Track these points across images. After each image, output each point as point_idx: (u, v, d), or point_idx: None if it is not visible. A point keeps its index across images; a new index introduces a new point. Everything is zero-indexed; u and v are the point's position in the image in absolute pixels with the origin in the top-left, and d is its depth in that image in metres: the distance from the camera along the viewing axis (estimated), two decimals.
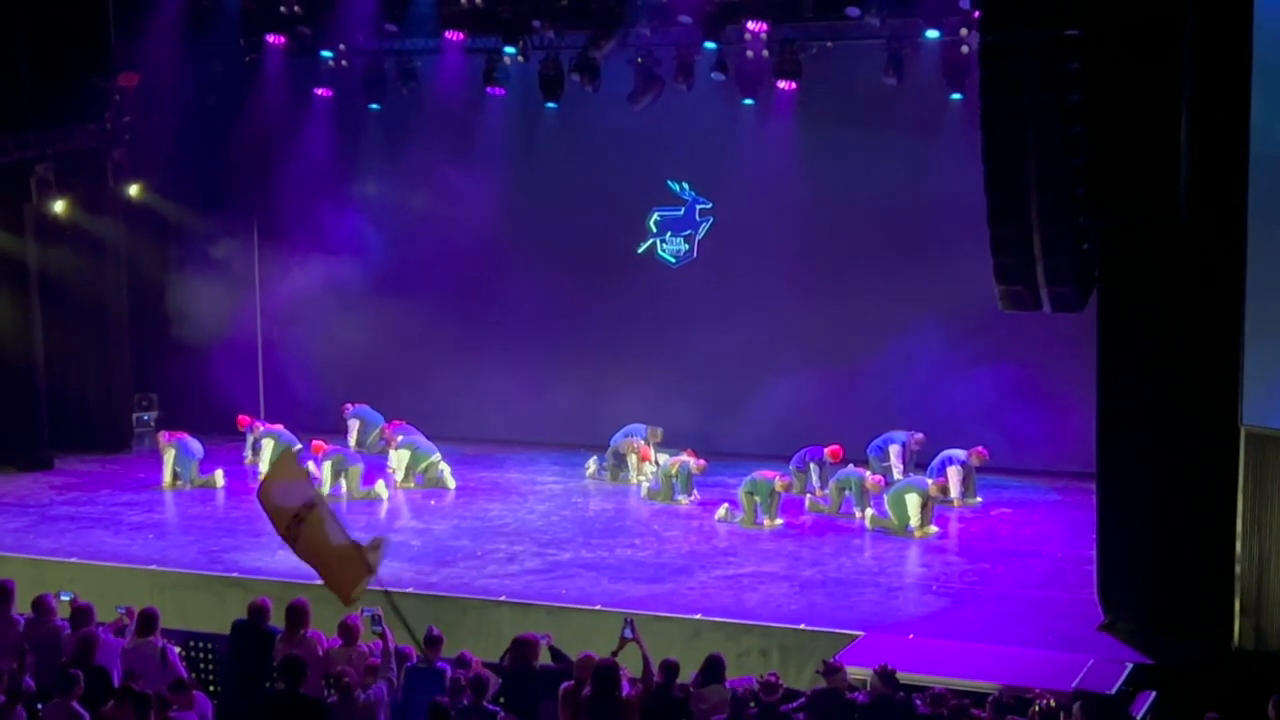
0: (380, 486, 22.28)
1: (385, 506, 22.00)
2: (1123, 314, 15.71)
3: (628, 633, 13.07)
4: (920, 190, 23.16)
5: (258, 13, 24.74)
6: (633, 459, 23.22)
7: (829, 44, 23.02)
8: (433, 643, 13.57)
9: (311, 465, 22.07)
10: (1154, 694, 13.63)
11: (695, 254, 25.12)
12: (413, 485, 22.92)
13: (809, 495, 21.51)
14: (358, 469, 22.41)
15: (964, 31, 21.45)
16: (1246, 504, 15.24)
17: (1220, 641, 15.39)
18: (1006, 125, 15.64)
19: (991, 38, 15.74)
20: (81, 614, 14.20)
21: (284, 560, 18.58)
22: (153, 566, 18.76)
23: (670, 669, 12.90)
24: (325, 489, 22.12)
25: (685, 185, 25.04)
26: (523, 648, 13.63)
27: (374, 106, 25.85)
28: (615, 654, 13.08)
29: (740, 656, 15.75)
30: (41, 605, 14.54)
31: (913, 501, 19.88)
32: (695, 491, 21.91)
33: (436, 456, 23.10)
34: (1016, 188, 15.75)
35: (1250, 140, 14.61)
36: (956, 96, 22.10)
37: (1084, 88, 15.27)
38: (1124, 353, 15.70)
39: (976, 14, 19.15)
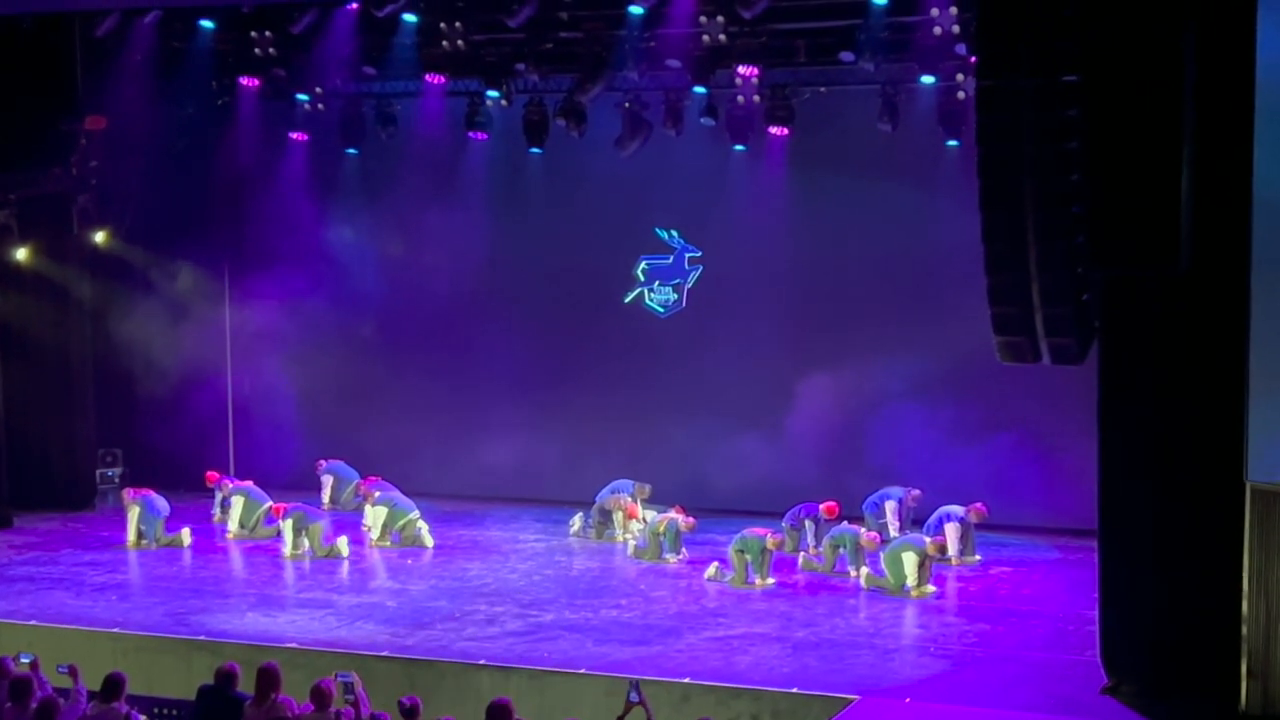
0: (342, 543, 22.37)
1: (347, 565, 22.06)
2: (1124, 366, 15.82)
3: (634, 696, 12.95)
4: (915, 239, 23.36)
5: (231, 54, 24.72)
6: (619, 516, 23.32)
7: (822, 89, 23.28)
8: (409, 713, 13.59)
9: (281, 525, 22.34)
10: None
11: (684, 304, 25.32)
12: (389, 544, 23.00)
13: (802, 553, 21.65)
14: (319, 526, 22.47)
15: (960, 77, 21.69)
16: (1253, 563, 15.29)
17: (1227, 705, 15.42)
18: (1004, 173, 15.81)
19: (988, 83, 15.94)
20: (22, 686, 14.20)
21: (253, 622, 18.81)
22: (116, 629, 18.68)
23: None
24: (288, 549, 22.29)
25: (674, 233, 25.25)
26: (500, 714, 13.65)
27: (351, 151, 26.05)
28: (620, 719, 13.10)
29: None
30: (1, 668, 14.65)
31: (909, 560, 20.00)
32: (684, 550, 22.03)
33: (414, 514, 23.20)
34: (1014, 236, 15.92)
35: (1254, 188, 14.75)
36: (953, 143, 22.36)
37: (1083, 135, 15.42)
38: (1125, 406, 15.81)
39: (973, 59, 19.44)
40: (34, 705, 13.72)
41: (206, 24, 23.90)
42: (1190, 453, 15.61)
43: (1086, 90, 15.31)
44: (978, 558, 21.80)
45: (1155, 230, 15.06)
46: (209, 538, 23.59)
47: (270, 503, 23.48)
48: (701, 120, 23.38)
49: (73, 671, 14.59)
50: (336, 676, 13.97)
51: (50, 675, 14.79)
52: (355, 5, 22.78)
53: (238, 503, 23.74)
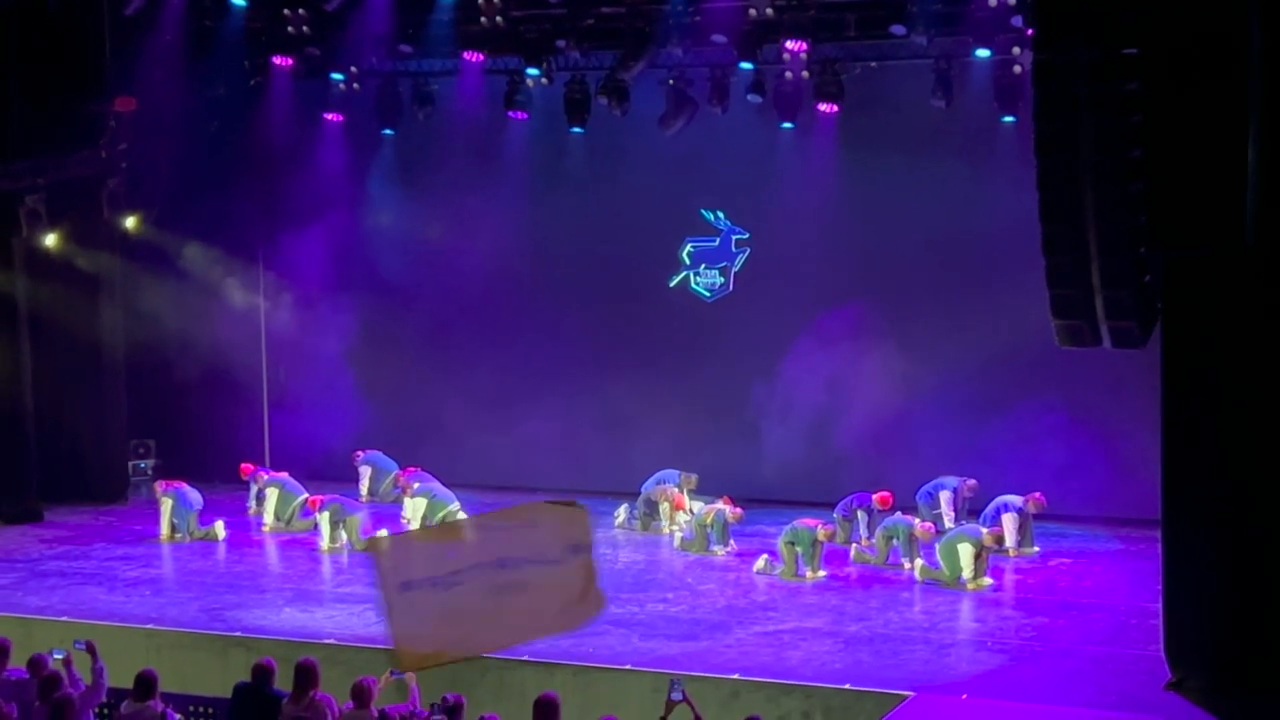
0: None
1: None
2: (1188, 350, 15.75)
3: (676, 695, 12.79)
4: (971, 219, 23.30)
5: (264, 33, 24.88)
6: (665, 507, 23.34)
7: (873, 64, 23.25)
8: (453, 711, 13.60)
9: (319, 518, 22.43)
10: None
11: (731, 287, 25.30)
12: None
13: (854, 545, 21.62)
14: (357, 518, 22.55)
15: (1016, 50, 21.62)
16: None
17: None
18: (1062, 150, 15.73)
19: (1046, 57, 15.85)
20: (51, 684, 14.20)
21: (290, 618, 18.86)
22: (149, 625, 18.82)
23: None
24: (325, 543, 22.36)
25: (720, 214, 25.23)
26: (547, 709, 13.68)
27: (387, 132, 26.10)
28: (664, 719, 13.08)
29: (781, 719, 15.88)
30: (37, 665, 14.72)
31: (965, 551, 19.96)
32: (732, 542, 22.03)
33: (455, 506, 23.20)
34: (1073, 216, 15.84)
35: None
36: (1009, 119, 22.30)
37: (1144, 109, 15.36)
38: (1190, 392, 15.74)
39: (1030, 31, 19.27)
40: (52, 699, 13.79)
41: (238, 1, 24.03)
42: (1258, 439, 15.52)
43: (1148, 62, 15.23)
44: (1036, 549, 21.73)
45: (1220, 208, 15.01)
46: (244, 531, 23.71)
47: (306, 495, 23.57)
48: (748, 97, 23.36)
49: (90, 649, 14.63)
50: (391, 674, 14.01)
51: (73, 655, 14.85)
52: None
53: (273, 495, 23.82)
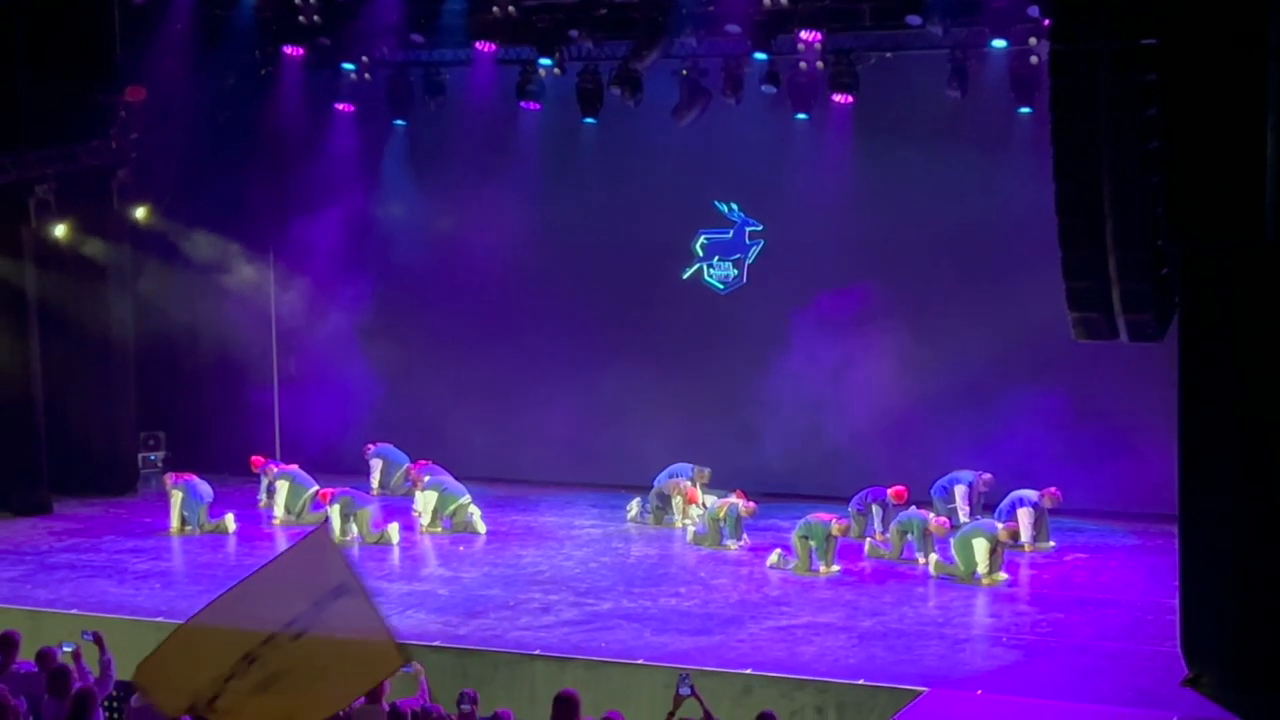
0: (393, 530, 22.45)
1: (397, 552, 22.16)
2: (1205, 344, 15.71)
3: (684, 690, 12.73)
4: (986, 211, 23.28)
5: (274, 23, 24.91)
6: (678, 501, 23.35)
7: (888, 55, 23.19)
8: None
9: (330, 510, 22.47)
10: None
11: (745, 280, 25.30)
12: (440, 530, 23.09)
13: (868, 539, 21.62)
14: (368, 511, 22.59)
15: (1033, 41, 21.59)
16: None
17: None
18: (1079, 141, 15.75)
19: (1063, 47, 15.87)
20: (60, 677, 14.22)
21: None
22: (159, 619, 18.80)
23: None
24: (336, 535, 22.37)
25: (734, 206, 25.23)
26: (566, 706, 13.63)
27: (399, 122, 26.13)
28: (672, 715, 12.90)
29: (794, 715, 15.92)
30: (45, 658, 14.76)
31: (980, 546, 19.95)
32: (745, 536, 22.03)
33: (466, 499, 23.27)
34: (1090, 208, 15.85)
35: None
36: (1025, 110, 22.28)
37: (1162, 100, 15.35)
38: (1207, 385, 15.70)
39: (1046, 22, 19.34)
40: (70, 694, 13.81)
41: None
42: (1275, 433, 15.49)
43: (1166, 53, 15.23)
44: (1052, 544, 21.73)
45: (1238, 200, 14.99)
46: (254, 524, 23.73)
47: (317, 487, 23.58)
48: (762, 88, 23.32)
49: (98, 640, 14.65)
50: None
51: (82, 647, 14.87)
52: None
53: (283, 487, 23.84)
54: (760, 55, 22.94)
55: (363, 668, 10.10)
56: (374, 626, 9.95)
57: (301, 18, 24.40)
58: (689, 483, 23.39)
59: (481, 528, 23.05)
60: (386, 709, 13.72)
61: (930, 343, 23.69)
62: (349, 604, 9.91)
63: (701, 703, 12.72)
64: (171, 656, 9.98)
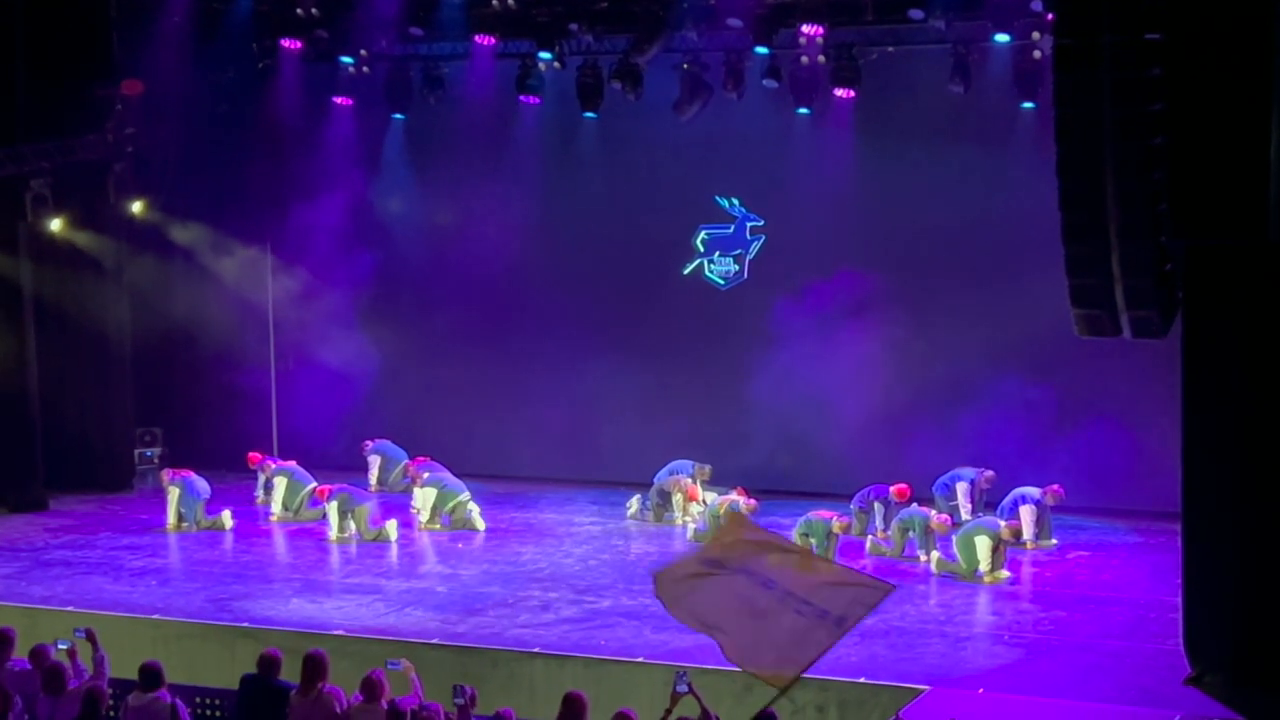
0: (391, 527, 22.46)
1: (395, 549, 22.17)
2: (1209, 340, 15.73)
3: (681, 687, 12.72)
4: (989, 206, 23.30)
5: (272, 16, 24.95)
6: (678, 498, 23.36)
7: (890, 49, 23.22)
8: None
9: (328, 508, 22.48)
10: None
11: (746, 275, 25.31)
12: (439, 527, 23.10)
13: (870, 537, 21.63)
14: (366, 508, 22.60)
15: (1036, 35, 21.63)
16: None
17: None
18: (1083, 136, 15.72)
19: (1066, 42, 15.84)
20: (55, 675, 14.27)
21: (298, 609, 18.89)
22: (156, 616, 18.83)
23: None
24: (334, 532, 22.40)
25: (735, 201, 25.23)
26: (574, 706, 13.61)
27: (398, 116, 26.14)
28: (669, 712, 12.96)
29: (795, 713, 15.92)
30: (39, 655, 14.77)
31: (982, 544, 19.96)
32: None
33: (465, 495, 23.28)
34: (1094, 204, 15.83)
35: None
36: (1028, 105, 22.33)
37: (1167, 96, 15.35)
38: (1210, 383, 15.72)
39: (1050, 16, 19.33)
40: (79, 694, 13.81)
41: None
42: (1279, 431, 15.50)
43: (1171, 48, 15.21)
44: (1054, 542, 21.75)
45: (1243, 197, 15.00)
46: (251, 520, 23.75)
47: (315, 484, 23.60)
48: (764, 82, 23.35)
49: (90, 637, 14.67)
50: (387, 664, 14.02)
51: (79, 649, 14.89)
52: None
53: (281, 484, 23.86)
54: (761, 49, 22.95)
55: (779, 654, 11.45)
56: (811, 654, 11.36)
57: (299, 11, 24.42)
58: (690, 479, 23.40)
59: (480, 525, 23.06)
60: (385, 708, 13.75)
61: (932, 338, 23.71)
62: (829, 629, 11.44)
63: (699, 700, 12.71)
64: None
